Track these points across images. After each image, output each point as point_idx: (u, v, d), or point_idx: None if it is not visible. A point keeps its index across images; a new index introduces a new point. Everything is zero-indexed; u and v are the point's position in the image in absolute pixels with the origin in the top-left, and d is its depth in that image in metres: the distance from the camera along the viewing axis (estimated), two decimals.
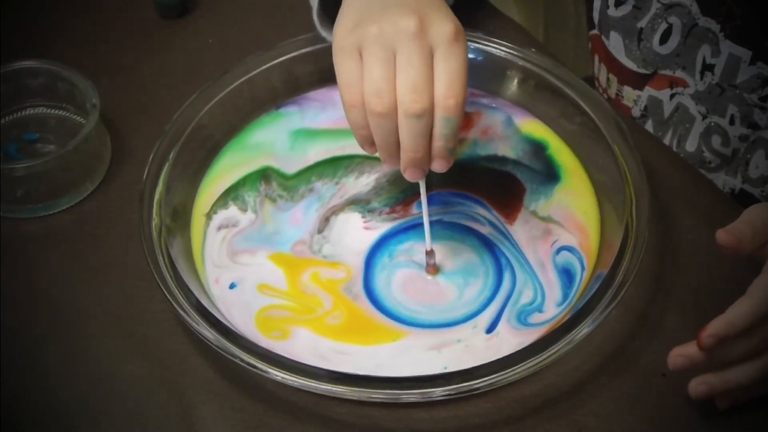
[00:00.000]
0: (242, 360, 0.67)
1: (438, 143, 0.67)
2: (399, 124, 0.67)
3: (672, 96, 0.88)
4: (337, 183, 0.79)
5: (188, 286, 0.71)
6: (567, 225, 0.77)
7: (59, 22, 0.94)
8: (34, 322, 0.74)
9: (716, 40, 0.82)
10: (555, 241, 0.76)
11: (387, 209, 0.78)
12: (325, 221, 0.77)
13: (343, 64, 0.68)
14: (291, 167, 0.80)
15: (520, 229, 0.77)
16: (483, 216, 0.78)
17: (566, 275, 0.74)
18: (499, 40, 0.85)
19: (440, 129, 0.67)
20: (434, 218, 0.77)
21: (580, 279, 0.74)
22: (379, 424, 0.69)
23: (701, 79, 0.84)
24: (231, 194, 0.78)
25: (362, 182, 0.79)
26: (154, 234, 0.73)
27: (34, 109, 0.86)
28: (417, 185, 0.72)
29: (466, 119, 0.84)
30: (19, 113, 0.86)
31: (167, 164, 0.77)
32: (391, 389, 0.66)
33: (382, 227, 0.77)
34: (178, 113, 0.80)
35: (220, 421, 0.70)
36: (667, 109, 0.89)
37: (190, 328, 0.69)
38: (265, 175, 0.80)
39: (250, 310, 0.73)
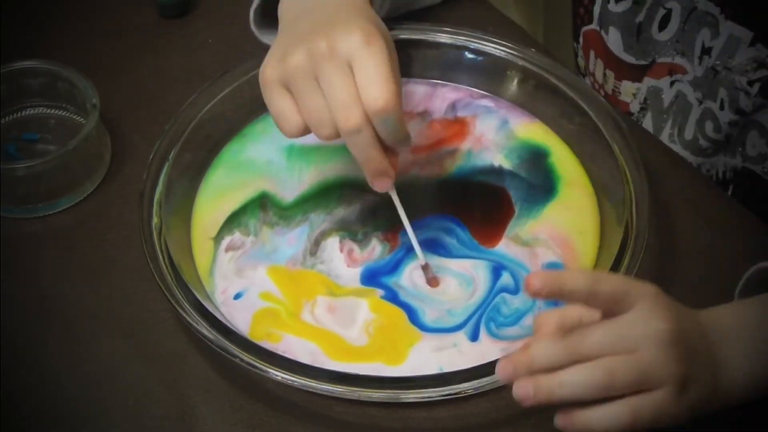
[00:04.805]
0: (242, 360, 0.67)
1: (387, 140, 0.70)
2: (346, 143, 0.69)
3: (672, 83, 0.88)
4: (329, 213, 0.79)
5: (188, 286, 0.71)
6: (554, 243, 0.76)
7: (59, 22, 0.94)
8: (34, 322, 0.74)
9: (716, 23, 0.81)
10: (540, 263, 0.75)
11: (379, 234, 0.77)
12: (316, 244, 0.77)
13: (271, 101, 0.71)
14: (287, 194, 0.80)
15: (501, 251, 0.76)
16: (461, 240, 0.77)
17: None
18: (499, 40, 0.85)
19: (382, 129, 0.69)
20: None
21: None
22: (379, 424, 0.69)
23: (699, 63, 0.84)
24: (234, 222, 0.78)
25: (351, 210, 0.79)
26: (154, 234, 0.74)
27: (34, 109, 0.86)
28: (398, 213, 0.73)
29: (460, 126, 0.84)
30: (19, 113, 0.86)
31: (167, 164, 0.77)
32: (390, 389, 0.67)
33: (370, 257, 0.77)
34: (178, 113, 0.80)
35: (220, 420, 0.70)
36: (667, 97, 0.88)
37: (190, 328, 0.69)
38: (262, 202, 0.79)
39: (250, 311, 0.73)
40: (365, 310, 0.73)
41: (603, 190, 0.79)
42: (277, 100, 0.70)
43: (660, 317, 0.59)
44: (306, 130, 0.71)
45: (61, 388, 0.71)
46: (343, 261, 0.76)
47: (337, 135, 0.69)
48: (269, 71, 0.70)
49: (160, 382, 0.71)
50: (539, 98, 0.84)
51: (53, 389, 0.71)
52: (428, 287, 0.74)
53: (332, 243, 0.77)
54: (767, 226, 0.79)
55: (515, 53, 0.84)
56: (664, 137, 0.90)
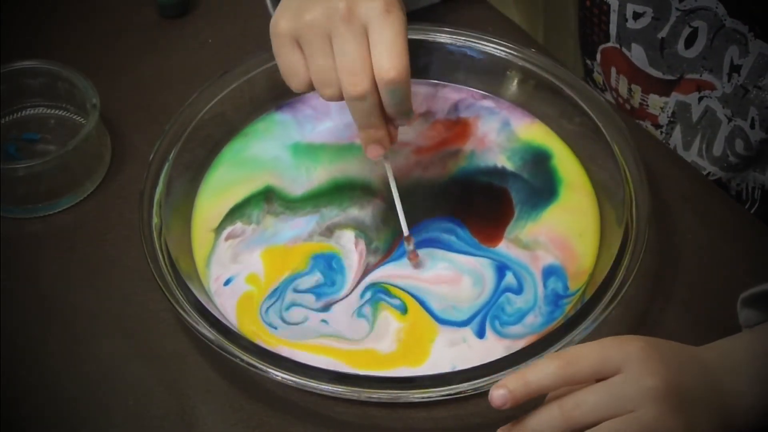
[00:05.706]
0: (242, 360, 0.67)
1: (391, 111, 0.70)
2: (347, 106, 0.69)
3: (700, 99, 0.87)
4: (342, 210, 0.79)
5: (188, 286, 0.71)
6: (553, 246, 0.76)
7: (59, 22, 0.94)
8: (34, 322, 0.74)
9: (744, 41, 0.80)
10: (542, 265, 0.75)
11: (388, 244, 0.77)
12: (329, 230, 0.77)
13: (281, 54, 0.70)
14: (296, 188, 0.80)
15: (502, 251, 0.77)
16: (460, 237, 0.77)
17: (552, 296, 0.74)
18: (499, 40, 0.85)
19: (388, 100, 0.69)
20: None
21: (564, 300, 0.74)
22: (380, 424, 0.69)
23: (728, 81, 0.83)
24: (236, 213, 0.78)
25: (364, 213, 0.78)
26: (154, 234, 0.74)
27: (34, 109, 0.86)
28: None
29: (463, 127, 0.84)
30: (19, 113, 0.86)
31: (167, 164, 0.77)
32: (390, 389, 0.67)
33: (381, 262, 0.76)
34: (178, 113, 0.80)
35: (220, 420, 0.70)
36: (696, 112, 0.87)
37: (190, 328, 0.69)
38: (267, 195, 0.79)
39: (235, 297, 0.74)
40: (394, 322, 0.73)
41: (603, 190, 0.79)
42: (287, 54, 0.70)
43: (650, 374, 0.59)
44: (313, 87, 0.71)
45: (61, 388, 0.71)
46: (356, 254, 0.76)
47: (341, 97, 0.69)
48: (283, 23, 0.70)
49: (160, 382, 0.71)
50: (539, 98, 0.84)
51: (53, 389, 0.71)
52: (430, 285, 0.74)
53: (348, 235, 0.77)
54: (766, 227, 0.79)
55: (515, 53, 0.84)
56: (693, 152, 0.89)
